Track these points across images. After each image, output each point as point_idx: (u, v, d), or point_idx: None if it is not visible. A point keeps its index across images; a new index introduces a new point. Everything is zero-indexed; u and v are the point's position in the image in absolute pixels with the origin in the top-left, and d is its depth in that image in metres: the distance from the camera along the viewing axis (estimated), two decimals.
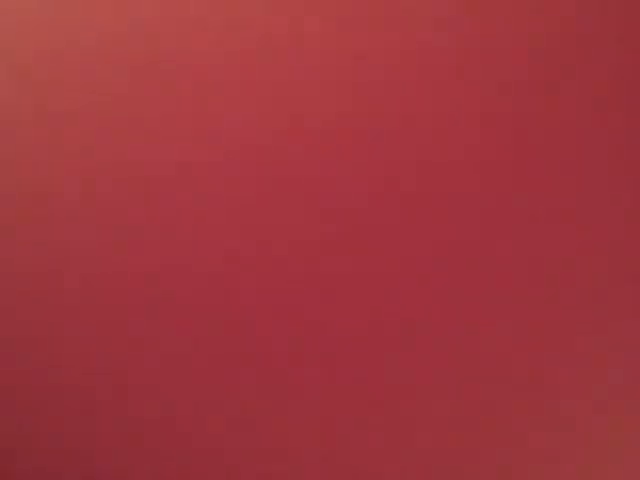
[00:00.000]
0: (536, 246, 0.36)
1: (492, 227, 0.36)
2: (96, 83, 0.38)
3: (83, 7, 0.38)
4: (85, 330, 0.38)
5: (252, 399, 0.38)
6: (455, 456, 0.37)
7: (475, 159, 0.36)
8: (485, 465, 0.37)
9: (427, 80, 0.36)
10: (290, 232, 0.37)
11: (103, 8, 0.38)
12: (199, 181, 0.37)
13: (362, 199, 0.37)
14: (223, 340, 0.37)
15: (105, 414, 0.38)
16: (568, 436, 0.36)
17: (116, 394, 0.38)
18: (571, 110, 0.36)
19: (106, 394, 0.38)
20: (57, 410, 0.39)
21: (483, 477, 0.37)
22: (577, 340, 0.36)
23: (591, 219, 0.36)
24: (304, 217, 0.37)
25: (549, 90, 0.36)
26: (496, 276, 0.36)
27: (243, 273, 0.37)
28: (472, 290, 0.36)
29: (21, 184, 0.38)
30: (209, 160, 0.37)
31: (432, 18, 0.36)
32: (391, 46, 0.36)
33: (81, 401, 0.38)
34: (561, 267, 0.36)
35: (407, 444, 0.37)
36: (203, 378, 0.38)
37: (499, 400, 0.37)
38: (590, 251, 0.36)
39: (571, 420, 0.36)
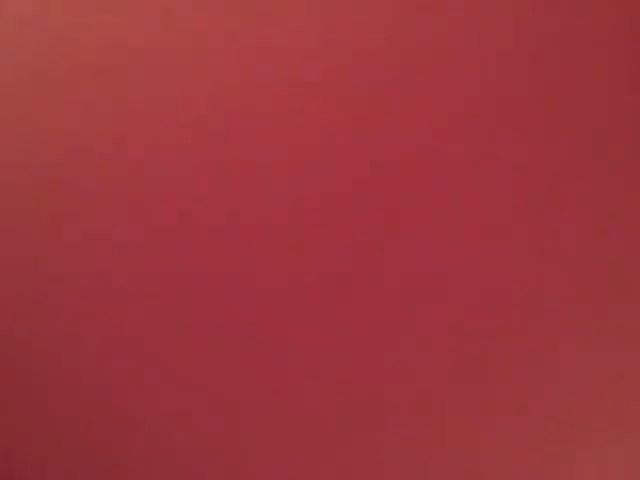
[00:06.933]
0: (538, 246, 0.36)
1: (493, 227, 0.36)
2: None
3: None
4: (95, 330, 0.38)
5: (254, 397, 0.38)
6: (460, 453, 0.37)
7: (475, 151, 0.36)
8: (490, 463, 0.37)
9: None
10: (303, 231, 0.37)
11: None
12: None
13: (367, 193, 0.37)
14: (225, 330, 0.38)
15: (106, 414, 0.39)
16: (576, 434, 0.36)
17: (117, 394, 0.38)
18: (570, 107, 0.36)
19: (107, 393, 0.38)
20: (58, 410, 0.39)
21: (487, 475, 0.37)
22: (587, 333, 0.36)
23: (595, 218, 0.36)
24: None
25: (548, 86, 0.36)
26: (497, 277, 0.36)
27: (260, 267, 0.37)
28: (476, 292, 0.37)
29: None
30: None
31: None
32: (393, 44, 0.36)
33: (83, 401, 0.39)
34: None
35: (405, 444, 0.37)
36: (204, 379, 0.38)
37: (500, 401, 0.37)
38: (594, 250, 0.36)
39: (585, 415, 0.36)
